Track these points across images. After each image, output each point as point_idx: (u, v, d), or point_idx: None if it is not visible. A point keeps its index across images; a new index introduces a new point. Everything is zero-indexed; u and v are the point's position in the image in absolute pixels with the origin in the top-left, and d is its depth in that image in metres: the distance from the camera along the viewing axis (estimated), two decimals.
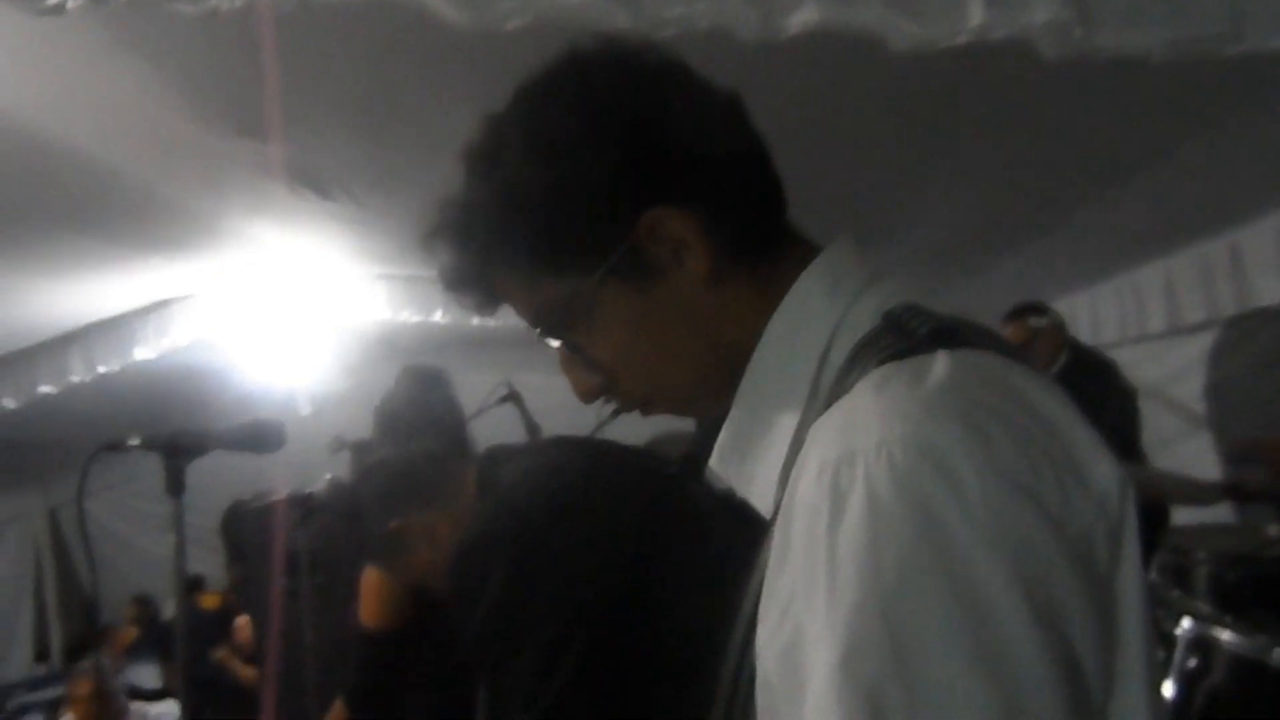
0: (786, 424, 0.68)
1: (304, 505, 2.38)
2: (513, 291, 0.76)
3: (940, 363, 0.59)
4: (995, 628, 0.50)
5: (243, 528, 3.43)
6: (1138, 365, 4.15)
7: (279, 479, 2.77)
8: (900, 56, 1.80)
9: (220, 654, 4.28)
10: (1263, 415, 3.82)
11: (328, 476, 2.25)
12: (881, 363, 0.61)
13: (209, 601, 5.80)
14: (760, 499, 0.70)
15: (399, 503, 1.59)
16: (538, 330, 0.76)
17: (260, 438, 1.54)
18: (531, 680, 1.33)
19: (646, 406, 0.78)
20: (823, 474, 0.56)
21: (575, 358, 0.76)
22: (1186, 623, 1.83)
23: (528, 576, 1.35)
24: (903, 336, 0.63)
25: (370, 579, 2.06)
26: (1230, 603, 2.59)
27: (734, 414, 0.73)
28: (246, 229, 3.78)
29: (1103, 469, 0.58)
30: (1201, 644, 1.80)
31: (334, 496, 2.25)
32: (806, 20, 1.77)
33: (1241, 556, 2.60)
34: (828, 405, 0.64)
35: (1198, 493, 2.99)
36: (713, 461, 0.74)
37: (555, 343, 0.76)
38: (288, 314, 4.62)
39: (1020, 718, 0.49)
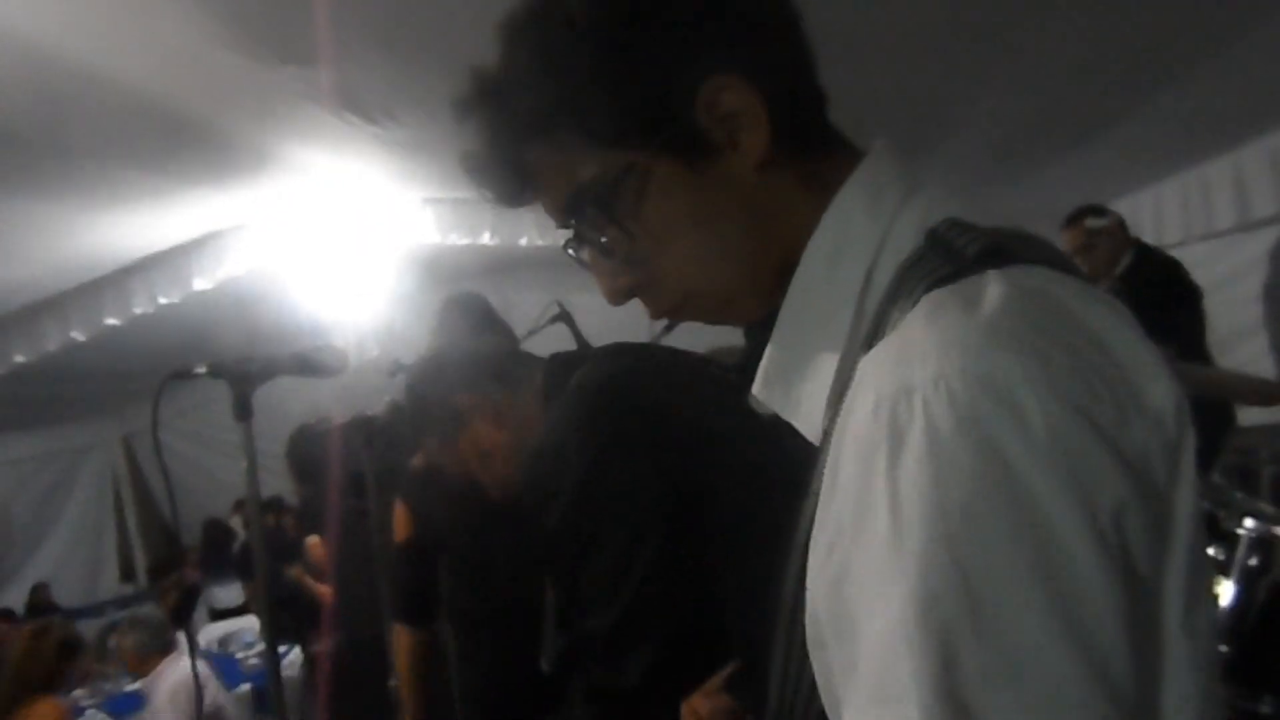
0: (831, 349, 0.66)
1: (368, 428, 2.44)
2: (550, 170, 0.70)
3: (992, 285, 0.57)
4: (1064, 563, 0.49)
5: (309, 451, 3.53)
6: (1203, 263, 4.04)
7: (339, 403, 2.84)
8: None
9: (294, 571, 4.44)
10: None
11: (388, 399, 2.29)
12: (930, 288, 0.59)
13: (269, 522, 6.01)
14: (806, 424, 0.69)
15: (465, 381, 1.59)
16: (571, 218, 0.71)
17: (323, 363, 1.58)
18: (608, 581, 1.35)
19: (683, 308, 0.73)
20: (879, 409, 0.54)
21: (611, 248, 0.70)
22: (1249, 522, 1.82)
23: (601, 479, 1.36)
24: (950, 258, 0.61)
25: (400, 508, 2.16)
26: None
27: (776, 338, 0.71)
28: (295, 156, 3.80)
29: (1159, 387, 0.56)
30: (1263, 542, 1.79)
31: (395, 418, 2.30)
32: None
33: None
34: (874, 329, 0.62)
35: (1264, 392, 2.93)
36: (756, 387, 0.72)
37: (586, 236, 0.71)
38: (339, 240, 4.67)
39: (1088, 652, 0.49)
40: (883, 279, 0.65)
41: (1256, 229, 4.04)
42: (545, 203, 0.73)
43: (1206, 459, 2.86)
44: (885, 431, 0.53)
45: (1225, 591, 1.81)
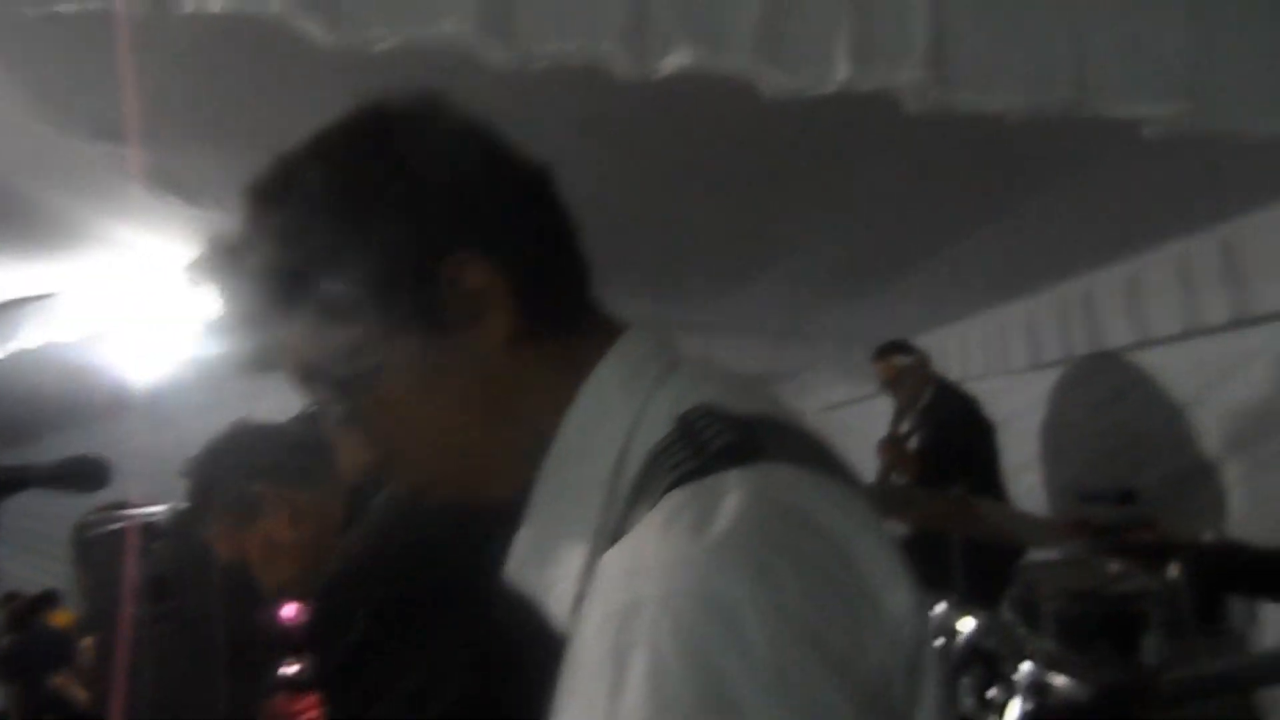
0: (582, 535, 0.64)
1: (148, 532, 2.27)
2: (289, 339, 0.68)
3: (731, 491, 0.56)
4: None
5: (87, 550, 3.25)
6: (998, 398, 4.33)
7: (127, 492, 2.64)
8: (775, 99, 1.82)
9: (59, 678, 4.05)
10: (1090, 454, 4.03)
11: (172, 505, 2.14)
12: (674, 484, 0.58)
13: (61, 619, 5.50)
14: (557, 610, 0.66)
15: (265, 468, 1.50)
16: (313, 392, 0.69)
17: (83, 476, 1.43)
18: None
19: (429, 487, 0.71)
20: (606, 625, 0.53)
21: (354, 424, 0.68)
22: (1024, 667, 1.90)
23: (394, 626, 1.26)
24: (695, 451, 0.60)
25: None
26: (1075, 638, 2.71)
27: (529, 519, 0.69)
28: (106, 230, 3.62)
29: (897, 597, 0.56)
30: (1038, 688, 1.87)
31: (179, 522, 2.16)
32: (679, 62, 1.78)
33: (1085, 593, 2.72)
34: (622, 519, 0.61)
35: (1046, 533, 3.12)
36: (509, 567, 0.70)
37: (325, 410, 0.69)
38: (147, 318, 4.43)
39: None
40: (634, 463, 0.64)
41: (1046, 369, 4.36)
42: (286, 371, 0.70)
43: (996, 594, 3.00)
44: (610, 651, 0.51)
45: None
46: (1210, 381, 3.47)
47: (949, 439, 3.72)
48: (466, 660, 1.27)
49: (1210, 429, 3.51)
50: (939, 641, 2.11)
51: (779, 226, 3.62)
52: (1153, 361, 3.74)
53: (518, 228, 0.68)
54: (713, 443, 0.60)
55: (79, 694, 3.80)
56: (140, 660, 2.43)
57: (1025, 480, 4.17)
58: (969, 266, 4.00)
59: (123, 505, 2.72)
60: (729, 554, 0.52)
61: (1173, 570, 2.02)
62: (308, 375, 0.68)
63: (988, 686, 1.97)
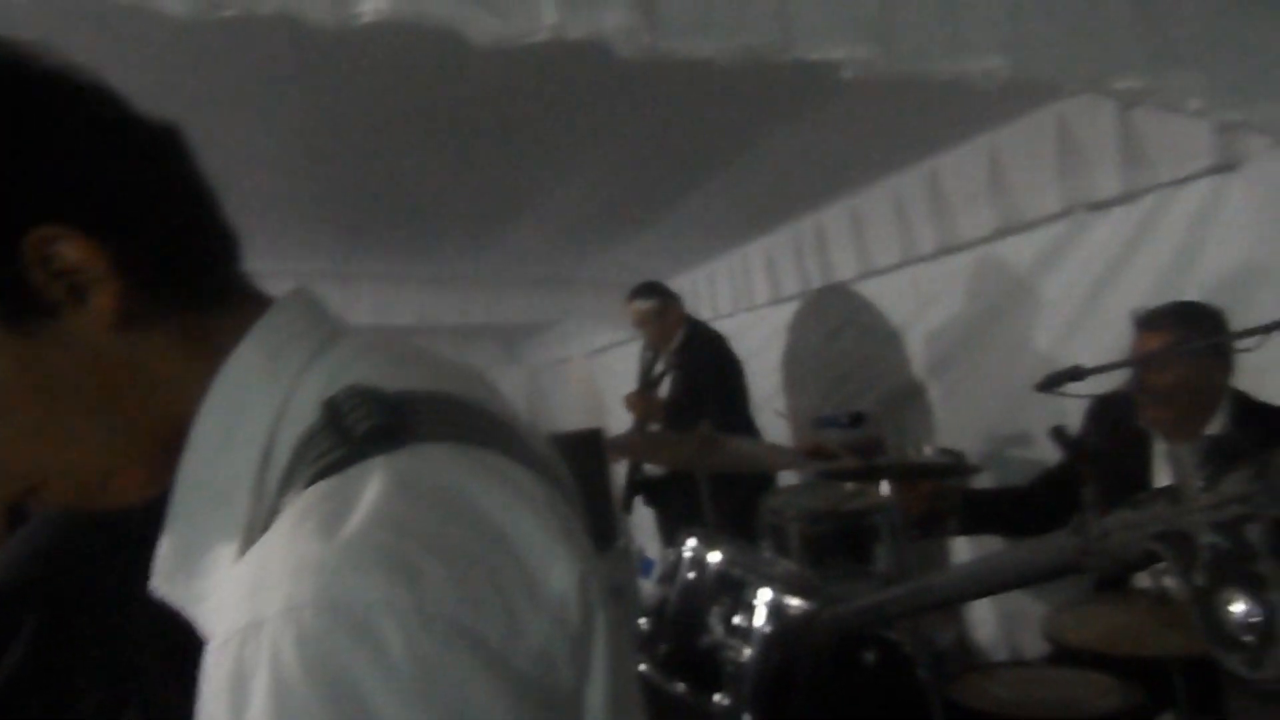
0: (229, 541, 0.59)
1: None
2: None
3: (372, 483, 0.52)
4: None
5: None
6: (744, 333, 4.52)
7: None
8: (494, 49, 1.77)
9: None
10: (825, 381, 4.31)
11: None
12: (315, 478, 0.54)
13: None
14: (209, 626, 0.60)
15: None
16: None
17: None
18: None
19: (40, 493, 0.61)
20: (226, 649, 0.47)
21: None
22: (763, 592, 2.00)
23: (54, 649, 1.18)
24: (340, 439, 0.55)
25: None
26: (818, 555, 2.89)
27: (170, 526, 0.61)
28: None
29: (558, 572, 0.53)
30: (777, 610, 1.98)
31: None
32: (379, 8, 1.68)
33: (824, 513, 2.91)
34: (269, 521, 0.56)
35: (788, 460, 3.29)
36: (155, 580, 0.62)
37: None
38: None
39: None
40: (282, 456, 0.58)
41: (784, 303, 4.59)
42: None
43: (749, 521, 3.15)
44: (228, 680, 0.46)
45: (746, 653, 1.99)
46: (920, 308, 3.77)
47: (700, 378, 3.85)
48: (134, 685, 1.19)
49: (918, 352, 3.82)
50: (690, 575, 2.19)
51: (528, 178, 3.58)
52: (875, 291, 4.00)
53: (123, 196, 0.59)
54: (357, 427, 0.56)
55: None
56: None
57: (771, 410, 4.39)
58: (714, 209, 4.12)
59: None
60: (361, 553, 0.48)
61: (885, 487, 2.18)
62: None
63: (735, 613, 2.06)
